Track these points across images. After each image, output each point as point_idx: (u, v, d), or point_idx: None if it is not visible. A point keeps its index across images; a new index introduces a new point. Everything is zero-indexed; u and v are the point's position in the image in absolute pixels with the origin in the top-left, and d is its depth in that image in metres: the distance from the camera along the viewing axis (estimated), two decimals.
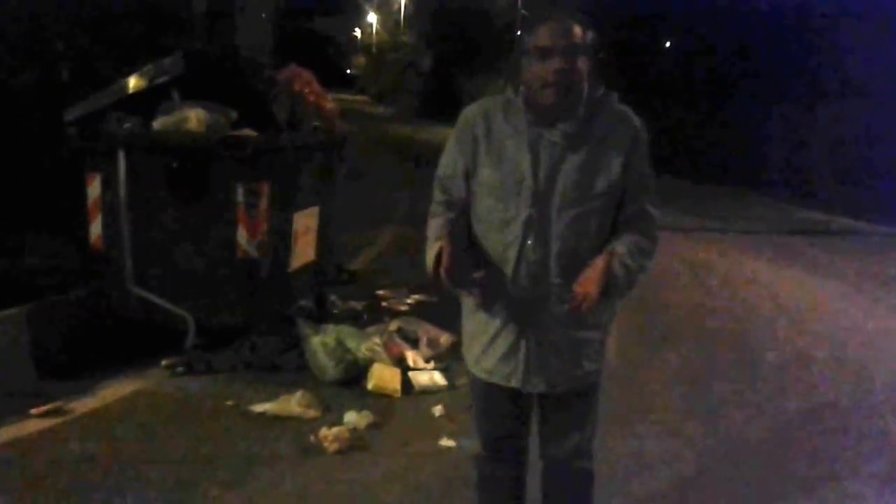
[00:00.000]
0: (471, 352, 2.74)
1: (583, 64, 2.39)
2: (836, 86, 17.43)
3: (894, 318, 7.66)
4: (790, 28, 19.24)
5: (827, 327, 7.18)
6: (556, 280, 2.48)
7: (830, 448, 4.67)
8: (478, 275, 2.47)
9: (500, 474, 2.90)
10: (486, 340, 2.64)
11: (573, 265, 2.44)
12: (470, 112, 2.59)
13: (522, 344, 2.57)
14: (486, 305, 2.60)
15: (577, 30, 2.38)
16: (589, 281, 2.39)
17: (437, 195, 2.68)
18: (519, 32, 2.48)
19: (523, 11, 35.42)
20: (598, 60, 2.43)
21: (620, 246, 2.45)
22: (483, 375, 2.70)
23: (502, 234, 2.50)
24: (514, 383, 2.62)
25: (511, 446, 2.85)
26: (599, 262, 2.40)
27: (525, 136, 2.45)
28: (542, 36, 2.38)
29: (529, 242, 2.46)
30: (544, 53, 2.36)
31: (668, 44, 25.62)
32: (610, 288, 2.41)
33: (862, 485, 4.24)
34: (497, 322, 2.60)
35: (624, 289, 2.48)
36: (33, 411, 4.35)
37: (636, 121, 2.52)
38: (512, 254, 2.49)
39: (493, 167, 2.49)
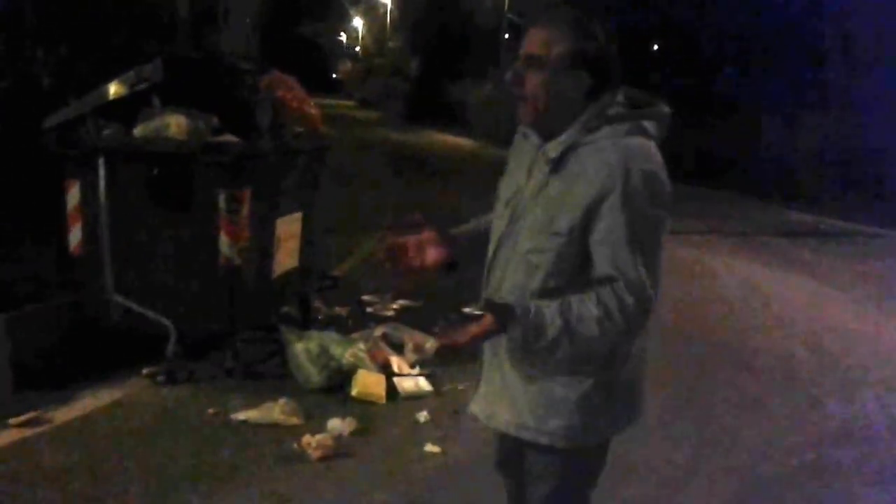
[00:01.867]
0: None
1: (549, 78, 2.12)
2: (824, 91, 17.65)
3: (882, 319, 7.70)
4: (782, 34, 19.45)
5: (816, 328, 7.22)
6: None
7: (820, 449, 4.70)
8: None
9: (507, 490, 2.72)
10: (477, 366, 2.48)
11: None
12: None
13: (487, 369, 2.40)
14: None
15: (545, 37, 2.12)
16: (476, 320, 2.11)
17: None
18: None
19: (510, 15, 35.58)
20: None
21: (556, 302, 2.10)
22: None
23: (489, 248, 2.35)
24: (475, 409, 2.44)
25: (507, 471, 2.65)
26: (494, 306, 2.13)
27: (531, 152, 2.25)
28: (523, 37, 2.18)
29: (494, 263, 2.31)
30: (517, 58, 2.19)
31: (655, 46, 25.78)
32: (505, 330, 2.09)
33: (853, 485, 4.28)
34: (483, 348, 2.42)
35: (526, 342, 2.09)
36: (12, 421, 4.30)
37: (620, 164, 2.04)
38: (485, 273, 2.35)
39: (505, 180, 2.36)
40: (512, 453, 2.49)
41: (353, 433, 4.44)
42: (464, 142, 29.31)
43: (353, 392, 4.94)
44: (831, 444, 4.75)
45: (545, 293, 2.13)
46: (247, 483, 3.88)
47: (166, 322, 5.04)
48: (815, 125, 17.74)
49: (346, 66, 67.32)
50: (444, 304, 7.03)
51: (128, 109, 5.11)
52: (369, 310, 6.81)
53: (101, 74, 5.25)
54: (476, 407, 2.43)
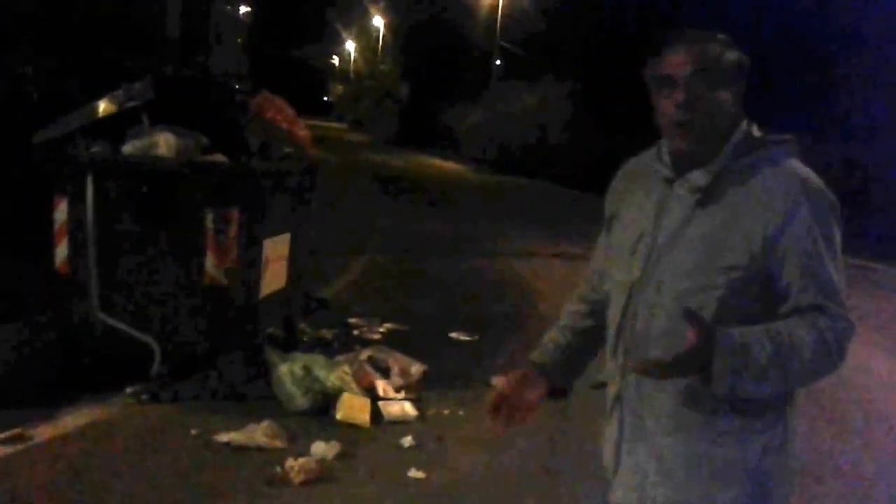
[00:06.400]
0: None
1: (720, 94, 1.89)
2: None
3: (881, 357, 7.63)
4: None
5: None
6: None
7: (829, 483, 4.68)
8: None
9: None
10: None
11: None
12: (621, 169, 2.18)
13: (628, 441, 2.02)
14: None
15: (712, 51, 1.88)
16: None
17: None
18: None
19: (502, 42, 35.83)
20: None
21: (759, 326, 1.81)
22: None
23: (612, 306, 2.07)
24: (618, 498, 2.05)
25: None
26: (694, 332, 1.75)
27: (659, 186, 1.99)
28: (664, 62, 1.90)
29: (629, 313, 1.99)
30: (665, 84, 1.90)
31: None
32: (708, 369, 1.75)
33: None
34: (608, 410, 2.09)
35: (731, 380, 1.76)
36: None
37: (803, 182, 1.88)
38: (614, 331, 2.06)
39: (623, 226, 2.07)
40: None
41: (336, 457, 4.40)
42: (453, 166, 29.41)
43: (338, 415, 4.91)
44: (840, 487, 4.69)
45: None
46: None
47: (151, 341, 5.01)
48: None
49: (338, 88, 67.64)
50: (430, 328, 7.05)
51: (117, 127, 5.12)
52: (356, 332, 6.78)
53: (90, 91, 5.26)
54: (619, 494, 2.03)
